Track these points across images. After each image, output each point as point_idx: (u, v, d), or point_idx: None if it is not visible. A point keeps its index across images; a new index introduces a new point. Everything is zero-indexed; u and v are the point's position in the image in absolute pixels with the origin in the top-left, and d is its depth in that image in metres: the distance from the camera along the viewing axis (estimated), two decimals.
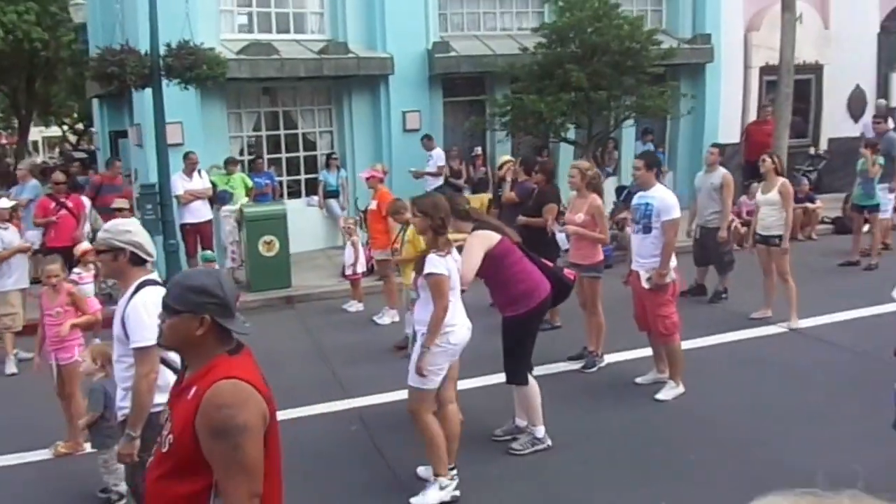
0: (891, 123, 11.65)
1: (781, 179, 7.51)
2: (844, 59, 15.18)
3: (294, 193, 12.27)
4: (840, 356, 6.46)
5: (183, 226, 9.88)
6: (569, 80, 9.95)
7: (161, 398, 3.25)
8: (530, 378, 4.93)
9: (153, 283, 3.48)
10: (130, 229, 3.54)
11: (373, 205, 8.48)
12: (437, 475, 4.38)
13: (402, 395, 5.96)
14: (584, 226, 6.35)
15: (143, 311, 3.29)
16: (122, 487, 4.36)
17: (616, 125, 11.33)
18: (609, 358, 6.46)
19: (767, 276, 7.53)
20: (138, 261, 3.48)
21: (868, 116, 14.69)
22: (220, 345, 2.25)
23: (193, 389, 2.17)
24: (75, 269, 7.20)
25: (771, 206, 7.38)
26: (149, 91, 9.18)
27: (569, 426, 5.15)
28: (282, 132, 12.25)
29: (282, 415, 5.67)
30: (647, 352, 6.23)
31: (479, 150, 12.79)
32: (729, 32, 14.06)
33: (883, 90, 16.05)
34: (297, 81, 11.83)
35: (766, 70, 14.56)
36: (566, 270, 5.20)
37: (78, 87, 19.54)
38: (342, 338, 7.79)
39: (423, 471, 4.62)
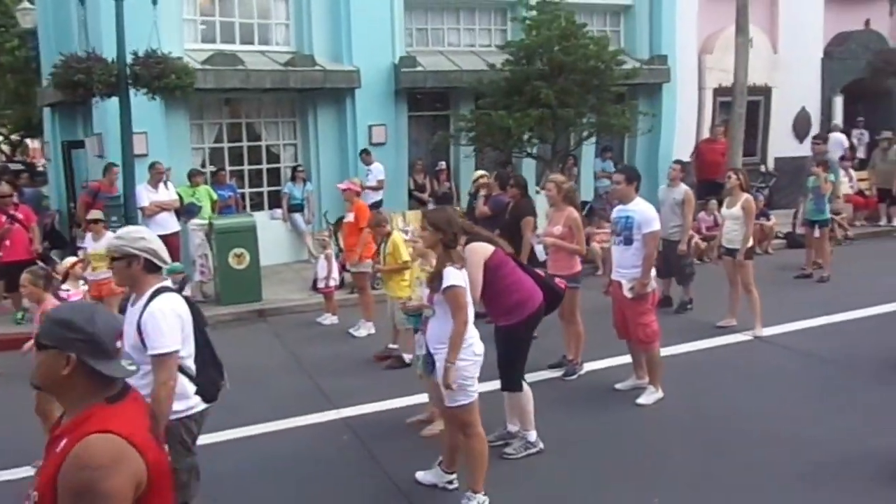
0: (830, 146, 12.45)
1: (745, 195, 7.98)
2: (791, 82, 16.09)
3: (256, 206, 12.31)
4: (801, 361, 6.93)
5: None
6: (537, 96, 10.34)
7: (176, 406, 3.41)
8: (524, 384, 5.18)
9: (168, 289, 3.53)
10: (145, 236, 3.57)
11: (349, 217, 8.64)
12: (474, 491, 4.42)
13: (392, 404, 6.25)
14: (562, 237, 6.66)
15: (161, 318, 3.35)
16: None
17: (580, 142, 11.78)
18: (588, 366, 6.77)
19: (732, 286, 7.99)
20: (153, 268, 3.52)
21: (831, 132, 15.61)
22: (95, 390, 2.00)
23: (63, 442, 1.92)
24: (63, 286, 7.15)
25: (735, 220, 7.86)
26: (112, 100, 9.16)
27: (556, 432, 5.38)
28: (244, 144, 12.31)
29: (267, 427, 5.84)
30: (625, 359, 6.56)
31: (443, 164, 13.12)
32: (684, 54, 14.77)
33: (827, 113, 17.04)
34: (262, 93, 11.91)
35: (718, 91, 15.33)
36: (557, 279, 5.46)
37: (20, 95, 19.10)
38: (320, 350, 7.91)
39: (421, 475, 4.78)
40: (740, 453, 5.05)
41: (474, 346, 4.35)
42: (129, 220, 9.22)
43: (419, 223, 6.26)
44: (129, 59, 8.92)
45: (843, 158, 14.15)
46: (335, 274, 9.06)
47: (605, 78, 10.82)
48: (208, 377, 3.64)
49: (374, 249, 8.51)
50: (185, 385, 3.52)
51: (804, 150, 16.03)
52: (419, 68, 12.42)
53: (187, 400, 3.53)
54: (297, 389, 6.75)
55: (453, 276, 4.28)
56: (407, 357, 7.14)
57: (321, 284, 9.04)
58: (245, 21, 12.08)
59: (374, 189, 11.77)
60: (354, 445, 5.54)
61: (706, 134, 14.79)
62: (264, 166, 12.47)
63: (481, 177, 9.63)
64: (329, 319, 8.92)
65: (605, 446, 5.34)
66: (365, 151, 12.03)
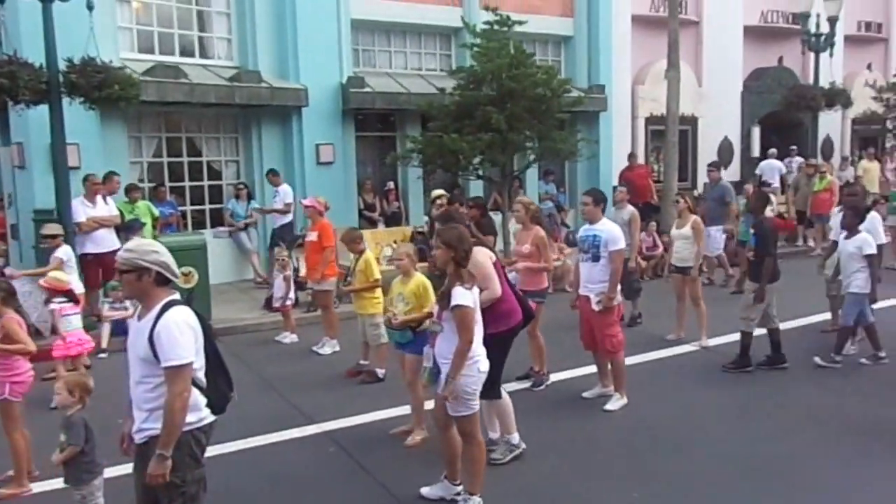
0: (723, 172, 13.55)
1: (694, 217, 8.75)
2: (715, 113, 17.39)
3: (198, 224, 12.33)
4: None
5: (84, 256, 9.45)
6: (488, 121, 10.88)
7: (188, 418, 3.49)
8: (503, 391, 5.57)
9: (179, 302, 3.58)
10: (157, 249, 3.61)
11: (312, 236, 8.78)
12: (471, 494, 4.74)
13: (372, 416, 6.53)
14: (530, 255, 7.14)
15: (176, 330, 3.40)
16: None
17: (528, 165, 12.43)
18: (555, 376, 7.24)
19: (680, 301, 8.70)
20: (163, 281, 3.55)
21: (767, 160, 16.88)
22: None
23: None
24: (56, 299, 7.14)
25: (685, 239, 8.57)
26: (36, 108, 8.96)
27: (534, 438, 5.74)
28: (185, 159, 12.34)
29: (248, 443, 6.04)
30: (589, 369, 7.10)
31: (391, 184, 13.52)
32: (619, 85, 15.75)
33: (746, 142, 18.41)
34: (204, 108, 11.93)
35: (650, 120, 16.41)
36: (531, 302, 5.92)
37: None
38: (285, 368, 8.06)
39: (427, 491, 4.98)
40: (703, 450, 5.63)
41: (480, 363, 4.62)
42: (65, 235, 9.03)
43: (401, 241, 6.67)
44: (62, 66, 8.78)
45: (764, 184, 15.28)
46: (292, 293, 9.27)
47: (551, 105, 11.48)
48: (218, 390, 3.72)
49: (336, 268, 8.84)
50: (197, 397, 3.60)
51: (729, 175, 17.34)
52: (367, 89, 12.80)
53: (199, 412, 3.60)
54: (270, 407, 6.87)
55: (461, 295, 4.48)
56: (380, 372, 7.46)
57: (278, 304, 9.21)
58: (185, 33, 12.18)
59: (282, 212, 11.86)
60: (341, 457, 5.76)
61: (641, 160, 15.78)
62: (205, 183, 12.51)
63: (440, 196, 10.07)
64: (289, 338, 9.09)
65: (582, 449, 5.78)
66: (272, 172, 12.10)
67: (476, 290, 4.66)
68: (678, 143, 14.27)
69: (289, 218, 11.97)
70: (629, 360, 7.40)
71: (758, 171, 16.59)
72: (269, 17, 12.35)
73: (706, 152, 17.40)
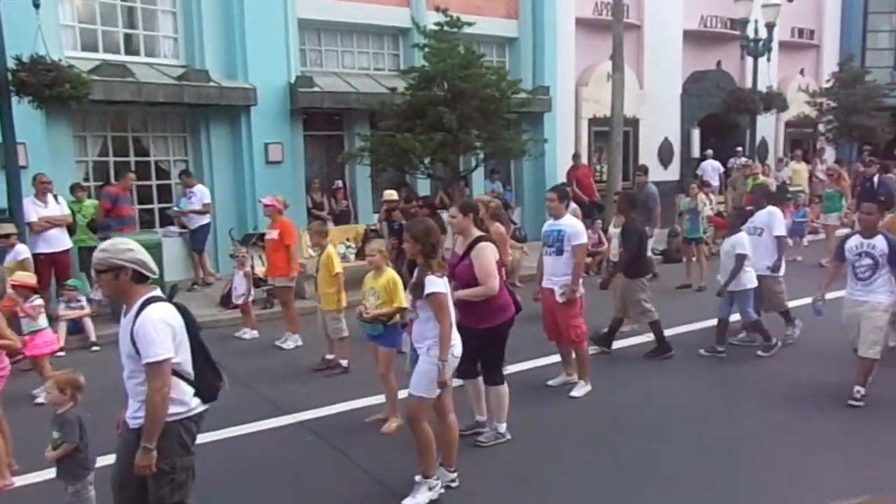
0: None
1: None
2: (656, 115, 18.18)
3: (147, 223, 12.36)
4: (692, 355, 8.21)
5: (36, 256, 9.32)
6: (439, 120, 11.28)
7: (175, 409, 3.71)
8: (504, 380, 5.94)
9: (158, 299, 3.72)
10: (132, 248, 3.72)
11: (272, 234, 8.94)
12: (426, 477, 4.98)
13: (344, 406, 6.84)
14: None
15: (152, 327, 3.54)
16: None
17: (478, 164, 12.89)
18: (520, 366, 7.63)
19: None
20: (141, 278, 3.69)
21: (707, 160, 17.75)
22: None
23: None
24: (36, 300, 7.21)
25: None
26: None
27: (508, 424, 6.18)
28: (132, 158, 12.37)
29: (225, 433, 6.29)
30: (551, 359, 7.57)
31: (339, 182, 13.80)
32: (563, 86, 16.36)
33: (686, 143, 19.30)
34: (150, 107, 12.00)
35: (593, 121, 17.08)
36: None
37: None
38: (249, 363, 8.25)
39: (420, 479, 5.18)
40: (666, 431, 6.11)
41: (455, 348, 4.89)
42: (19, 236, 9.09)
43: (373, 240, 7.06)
44: (10, 63, 8.82)
45: (706, 184, 16.09)
46: (252, 289, 9.48)
47: (501, 105, 11.96)
48: (205, 380, 3.86)
49: (297, 265, 9.11)
50: (184, 389, 3.75)
51: (669, 175, 18.23)
52: (316, 89, 13.05)
53: (187, 403, 3.76)
54: (241, 399, 6.99)
55: (435, 283, 4.77)
56: (344, 363, 7.77)
57: (240, 300, 9.41)
58: (130, 31, 12.23)
59: (199, 213, 11.93)
60: (321, 445, 6.04)
61: (584, 160, 16.42)
62: (153, 182, 12.57)
63: (390, 199, 10.47)
64: (249, 333, 9.29)
65: (554, 433, 6.18)
66: (185, 173, 12.16)
67: (446, 278, 4.94)
68: (608, 144, 14.92)
69: (207, 219, 12.01)
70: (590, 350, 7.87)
71: (699, 172, 17.48)
72: (216, 15, 12.48)
73: (647, 153, 18.17)
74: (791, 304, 8.75)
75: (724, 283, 8.12)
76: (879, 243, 6.53)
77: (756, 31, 16.37)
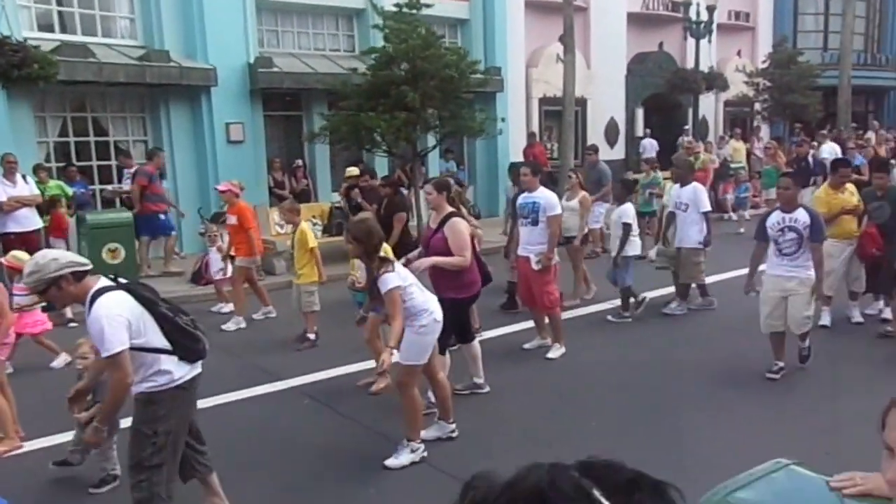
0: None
1: (583, 192, 9.91)
2: (602, 95, 18.95)
3: (108, 203, 12.47)
4: (658, 317, 8.95)
5: (6, 235, 9.67)
6: (402, 99, 11.73)
7: (159, 379, 3.90)
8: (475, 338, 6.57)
9: (104, 289, 3.79)
10: (54, 256, 3.82)
11: (231, 220, 9.17)
12: (410, 440, 5.32)
13: (335, 372, 7.29)
14: None
15: (104, 322, 3.67)
16: (118, 470, 4.96)
17: (439, 141, 13.39)
18: (496, 331, 8.22)
19: (575, 270, 9.75)
20: (81, 276, 3.77)
21: (647, 139, 18.55)
22: None
23: None
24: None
25: (573, 211, 9.67)
26: None
27: (489, 382, 6.69)
28: (91, 139, 12.48)
29: (222, 399, 6.67)
30: (523, 325, 8.17)
31: (299, 162, 14.13)
32: (513, 67, 16.95)
33: (631, 122, 20.16)
34: (109, 87, 12.15)
35: (543, 101, 17.74)
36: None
37: None
38: (232, 336, 8.57)
39: (424, 433, 5.49)
40: (639, 387, 6.72)
41: (435, 314, 5.27)
42: None
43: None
44: None
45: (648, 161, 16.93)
46: (229, 266, 9.77)
47: (460, 85, 12.47)
48: (182, 345, 3.99)
49: (261, 245, 9.43)
50: (164, 361, 3.92)
51: (616, 154, 19.06)
52: (275, 69, 13.33)
53: (169, 373, 3.94)
54: (230, 368, 7.38)
55: (388, 281, 5.00)
56: (312, 336, 8.14)
57: (218, 276, 9.70)
58: (86, 11, 12.32)
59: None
60: (318, 407, 6.46)
61: (537, 136, 17.12)
62: (113, 163, 12.68)
63: (352, 175, 10.94)
64: (227, 307, 9.61)
65: (536, 390, 6.75)
66: (124, 154, 12.20)
67: (399, 266, 5.25)
68: (561, 123, 15.60)
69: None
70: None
71: (640, 150, 18.33)
72: None
73: (595, 132, 18.95)
74: (734, 273, 9.47)
75: (615, 253, 8.83)
76: (801, 216, 6.60)
77: (698, 13, 17.22)
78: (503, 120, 14.41)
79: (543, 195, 7.67)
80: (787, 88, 20.50)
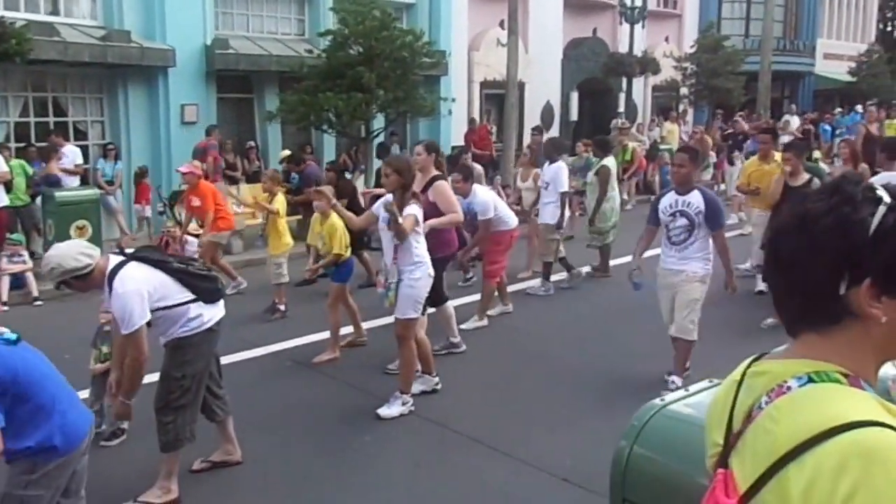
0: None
1: (535, 170, 10.48)
2: (539, 79, 20.06)
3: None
4: (587, 292, 9.76)
5: None
6: (359, 80, 12.51)
7: (188, 326, 4.34)
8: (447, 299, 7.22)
9: (117, 267, 4.10)
10: (53, 266, 4.06)
11: (195, 202, 9.54)
12: (402, 392, 5.83)
13: (315, 337, 7.71)
14: None
15: (121, 304, 4.04)
16: (126, 424, 5.29)
17: (393, 120, 14.24)
18: (458, 301, 8.60)
19: (530, 244, 10.46)
20: (84, 276, 4.07)
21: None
22: None
23: None
24: None
25: (529, 190, 10.46)
26: None
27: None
28: (51, 119, 12.93)
29: None
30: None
31: (251, 143, 14.74)
32: (456, 50, 17.88)
33: (566, 106, 21.34)
34: (69, 67, 12.63)
35: (484, 84, 18.74)
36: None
37: None
38: None
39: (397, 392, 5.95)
40: (566, 358, 7.23)
41: (429, 269, 5.83)
42: None
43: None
44: None
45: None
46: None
47: (412, 66, 13.31)
48: (203, 288, 4.45)
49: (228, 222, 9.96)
50: (192, 309, 4.37)
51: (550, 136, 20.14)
52: (231, 51, 13.94)
53: (195, 319, 4.40)
54: None
55: (413, 209, 5.67)
56: (282, 307, 8.68)
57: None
58: None
59: (72, 173, 11.89)
60: (301, 368, 6.98)
61: (477, 122, 18.09)
62: (71, 143, 13.05)
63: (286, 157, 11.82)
64: None
65: (501, 349, 7.61)
66: (55, 134, 12.25)
67: (418, 205, 5.80)
68: (504, 106, 16.57)
69: (76, 180, 11.98)
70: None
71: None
72: None
73: (532, 115, 20.07)
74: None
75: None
76: (695, 199, 5.92)
77: (632, 0, 18.44)
78: (453, 100, 15.28)
79: (477, 199, 7.96)
80: (714, 73, 21.95)
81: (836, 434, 1.13)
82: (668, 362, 6.47)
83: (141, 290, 4.09)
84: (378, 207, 5.80)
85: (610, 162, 10.59)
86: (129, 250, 4.42)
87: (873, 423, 1.14)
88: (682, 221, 5.93)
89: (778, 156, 8.67)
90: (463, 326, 7.71)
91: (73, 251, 4.09)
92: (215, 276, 4.71)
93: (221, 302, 4.67)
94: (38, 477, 3.19)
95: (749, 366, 1.38)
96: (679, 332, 6.05)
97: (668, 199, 6.08)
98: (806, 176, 7.64)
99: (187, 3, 13.47)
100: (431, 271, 5.88)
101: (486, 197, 8.12)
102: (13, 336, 3.23)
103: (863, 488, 1.08)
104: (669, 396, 2.79)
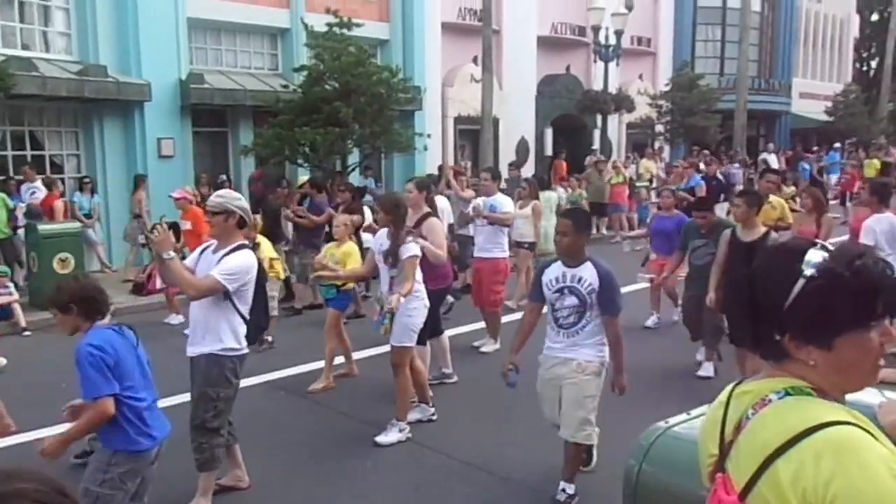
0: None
1: (534, 201, 11.15)
2: (513, 115, 21.13)
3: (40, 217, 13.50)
4: None
5: None
6: (336, 115, 13.36)
7: (230, 345, 4.73)
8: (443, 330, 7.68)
9: (246, 246, 4.80)
10: (241, 198, 4.82)
11: (186, 225, 10.23)
12: (398, 419, 6.12)
13: (307, 367, 8.15)
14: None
15: (235, 263, 4.66)
16: None
17: (368, 155, 15.09)
18: (450, 331, 8.89)
19: (521, 272, 11.46)
20: (242, 224, 4.78)
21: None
22: None
23: None
24: None
25: (525, 219, 11.34)
26: None
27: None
28: (28, 153, 13.64)
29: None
30: (478, 325, 9.42)
31: (224, 177, 15.47)
32: (430, 86, 18.87)
33: (540, 141, 22.39)
34: (46, 101, 13.38)
35: (458, 120, 19.76)
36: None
37: None
38: (184, 342, 9.64)
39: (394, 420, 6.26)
40: None
41: (425, 299, 6.19)
42: None
43: None
44: None
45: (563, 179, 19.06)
46: None
47: (388, 101, 14.21)
48: (256, 321, 4.94)
49: None
50: (239, 328, 4.78)
51: (527, 171, 21.05)
52: (206, 85, 14.78)
53: (239, 342, 4.79)
54: None
55: (412, 248, 5.98)
56: (269, 338, 9.04)
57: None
58: (25, 26, 13.60)
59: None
60: (295, 398, 7.32)
61: (450, 157, 19.05)
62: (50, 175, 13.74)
63: (304, 183, 12.45)
64: (177, 319, 10.48)
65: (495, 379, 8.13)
66: (28, 165, 12.95)
67: (417, 242, 6.16)
68: (479, 141, 17.55)
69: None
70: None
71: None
72: (109, 12, 14.00)
73: (507, 151, 21.09)
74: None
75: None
76: (587, 274, 4.98)
77: (607, 37, 19.56)
78: (429, 136, 16.18)
79: (500, 199, 9.16)
80: (689, 111, 23.14)
81: (813, 432, 1.47)
82: (661, 390, 7.09)
83: (250, 271, 4.76)
84: (375, 241, 6.33)
85: (544, 197, 11.67)
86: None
87: (842, 423, 1.48)
88: (571, 301, 4.99)
89: (773, 198, 9.10)
90: (483, 349, 8.62)
91: (238, 197, 4.89)
92: (269, 318, 5.27)
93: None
94: (111, 477, 3.75)
95: (733, 388, 1.73)
96: (570, 435, 5.08)
97: (554, 272, 5.09)
98: (761, 230, 7.10)
99: (162, 38, 14.31)
100: (427, 301, 6.26)
101: (506, 199, 9.16)
102: (129, 331, 3.90)
103: (839, 473, 1.42)
104: (673, 419, 3.16)
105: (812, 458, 1.44)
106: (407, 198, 7.00)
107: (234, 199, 4.85)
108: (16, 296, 10.43)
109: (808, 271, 1.55)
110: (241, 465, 5.38)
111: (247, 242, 4.97)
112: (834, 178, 24.61)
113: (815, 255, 1.57)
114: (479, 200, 9.49)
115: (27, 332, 10.03)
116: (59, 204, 12.24)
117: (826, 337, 1.55)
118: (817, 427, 1.47)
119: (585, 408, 5.02)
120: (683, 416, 3.12)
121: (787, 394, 1.58)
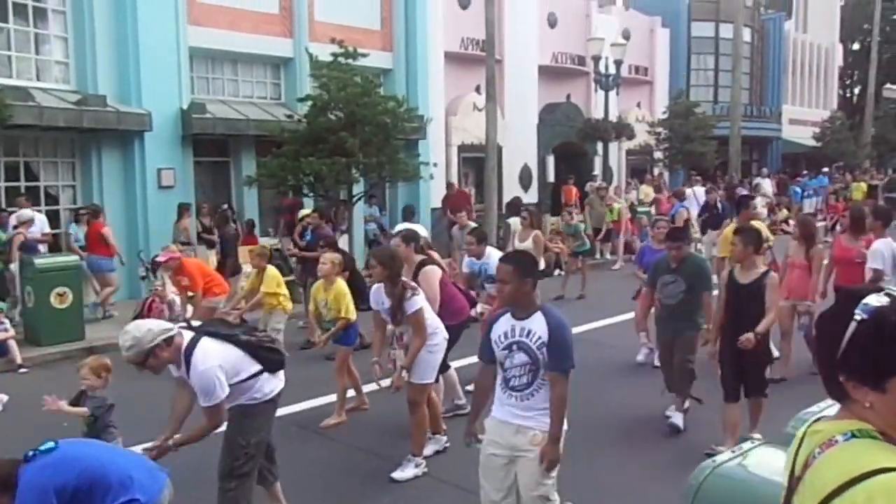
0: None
1: (535, 231, 10.83)
2: (516, 143, 20.38)
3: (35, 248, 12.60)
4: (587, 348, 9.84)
5: None
6: (342, 145, 12.56)
7: (255, 394, 4.54)
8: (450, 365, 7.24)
9: (192, 343, 4.26)
10: (150, 327, 4.27)
11: (184, 282, 9.47)
12: (414, 455, 5.95)
13: (318, 402, 7.81)
14: None
15: (205, 377, 4.18)
16: None
17: (374, 185, 14.27)
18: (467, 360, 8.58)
19: None
20: (170, 339, 4.20)
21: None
22: None
23: None
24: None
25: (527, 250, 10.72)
26: None
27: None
28: (23, 183, 12.75)
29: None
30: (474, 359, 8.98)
31: (225, 206, 14.63)
32: (434, 115, 18.06)
33: (542, 168, 21.66)
34: (43, 132, 12.52)
35: (462, 148, 18.97)
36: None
37: None
38: None
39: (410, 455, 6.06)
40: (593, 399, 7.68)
41: (444, 333, 6.06)
42: None
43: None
44: None
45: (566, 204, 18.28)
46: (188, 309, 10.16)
47: (394, 131, 13.42)
48: (268, 359, 4.64)
49: (225, 287, 9.93)
50: (261, 381, 4.57)
51: (529, 198, 20.42)
52: (208, 115, 13.93)
53: (263, 389, 4.60)
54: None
55: (417, 302, 5.80)
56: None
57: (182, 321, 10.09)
58: (23, 55, 12.75)
59: (41, 241, 11.78)
60: (307, 433, 7.03)
61: (455, 186, 18.22)
62: (42, 208, 12.90)
63: (307, 214, 11.62)
64: None
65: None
66: (25, 196, 12.26)
67: (420, 294, 5.95)
68: (484, 169, 16.82)
69: (43, 249, 11.78)
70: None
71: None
72: (108, 41, 13.18)
73: (510, 178, 20.34)
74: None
75: None
76: (536, 326, 4.09)
77: (606, 67, 18.92)
78: (435, 165, 15.41)
79: (493, 261, 7.92)
80: (687, 138, 22.52)
81: (869, 477, 1.50)
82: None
83: (216, 364, 4.23)
84: (373, 299, 6.08)
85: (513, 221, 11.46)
86: (195, 324, 4.56)
87: None
88: (521, 358, 4.10)
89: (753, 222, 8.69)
90: None
91: (144, 328, 4.20)
92: (279, 348, 4.83)
93: (282, 372, 4.79)
94: None
95: (809, 426, 1.77)
96: None
97: (503, 326, 4.20)
98: (760, 270, 6.12)
99: (163, 67, 13.48)
100: (446, 334, 6.12)
101: (497, 254, 8.36)
102: (50, 445, 3.40)
103: None
104: (720, 457, 3.09)
105: (864, 501, 1.47)
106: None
107: (144, 334, 4.16)
108: (11, 332, 9.75)
109: (861, 315, 1.59)
110: (280, 501, 5.14)
111: (191, 342, 4.26)
112: (813, 202, 25.03)
113: (872, 300, 1.61)
114: (469, 269, 8.58)
115: (23, 369, 9.42)
116: (107, 231, 11.82)
117: (879, 379, 1.59)
118: (875, 472, 1.50)
119: (546, 484, 4.13)
120: (730, 454, 3.08)
121: (854, 436, 1.61)
